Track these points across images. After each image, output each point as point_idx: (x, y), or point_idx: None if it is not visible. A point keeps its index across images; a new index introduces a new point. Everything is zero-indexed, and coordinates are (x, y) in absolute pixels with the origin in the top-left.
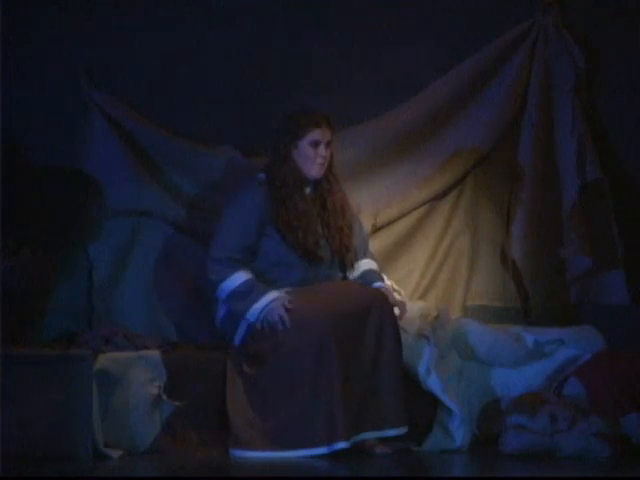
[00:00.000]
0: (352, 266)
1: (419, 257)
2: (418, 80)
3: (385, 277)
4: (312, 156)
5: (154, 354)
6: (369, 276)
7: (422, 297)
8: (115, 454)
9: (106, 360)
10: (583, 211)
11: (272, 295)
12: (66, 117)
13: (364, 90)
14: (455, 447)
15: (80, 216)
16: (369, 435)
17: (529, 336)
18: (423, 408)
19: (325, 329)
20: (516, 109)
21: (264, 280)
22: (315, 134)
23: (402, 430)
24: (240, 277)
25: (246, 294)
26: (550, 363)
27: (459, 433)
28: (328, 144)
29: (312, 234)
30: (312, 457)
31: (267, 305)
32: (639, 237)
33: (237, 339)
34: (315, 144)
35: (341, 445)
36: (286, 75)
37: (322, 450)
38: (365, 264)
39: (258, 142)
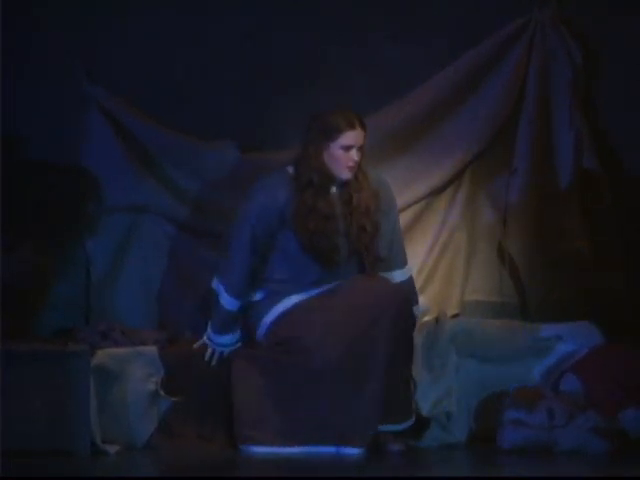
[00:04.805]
0: (372, 267)
1: (416, 252)
2: (416, 77)
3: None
4: (343, 160)
5: (151, 350)
6: None
7: (420, 292)
8: (112, 450)
9: (103, 356)
10: (581, 206)
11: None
12: (64, 113)
13: (363, 88)
14: (453, 442)
15: (78, 212)
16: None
17: (526, 332)
18: None
19: (338, 354)
20: (514, 104)
21: (277, 277)
22: (348, 138)
23: (410, 422)
24: (230, 303)
25: (224, 321)
26: (547, 359)
27: (457, 429)
28: (360, 148)
29: (330, 238)
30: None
31: (226, 345)
32: (637, 232)
33: (258, 335)
34: (347, 148)
35: (351, 450)
36: (285, 72)
37: (330, 449)
38: (398, 276)
39: (256, 138)
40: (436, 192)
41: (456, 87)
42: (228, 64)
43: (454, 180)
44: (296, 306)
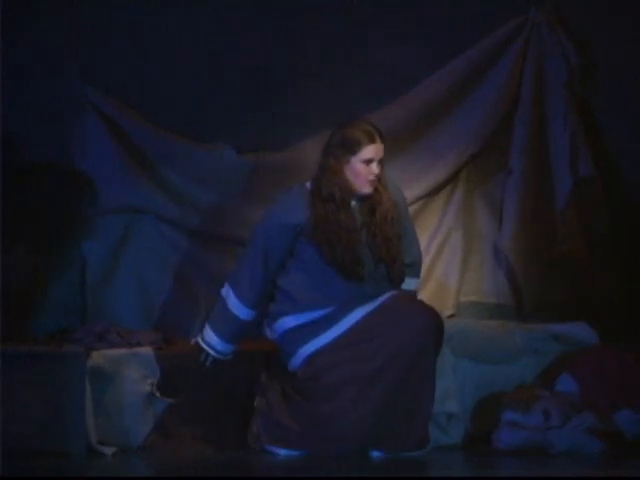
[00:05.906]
0: (400, 277)
1: None
2: (415, 77)
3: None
4: (364, 173)
5: (147, 351)
6: None
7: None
8: (108, 451)
9: (99, 357)
10: (576, 207)
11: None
12: (60, 115)
13: (363, 88)
14: (450, 443)
15: (74, 213)
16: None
17: (522, 332)
18: None
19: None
20: (509, 105)
21: (305, 287)
22: (368, 152)
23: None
24: (239, 309)
25: (232, 328)
26: (543, 359)
27: (454, 429)
28: (380, 161)
29: (352, 251)
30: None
31: (225, 354)
32: (633, 233)
33: (292, 364)
34: (368, 162)
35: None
36: (285, 72)
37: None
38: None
39: (255, 139)
40: (432, 193)
41: (452, 88)
42: (227, 65)
43: (450, 181)
44: (335, 340)
